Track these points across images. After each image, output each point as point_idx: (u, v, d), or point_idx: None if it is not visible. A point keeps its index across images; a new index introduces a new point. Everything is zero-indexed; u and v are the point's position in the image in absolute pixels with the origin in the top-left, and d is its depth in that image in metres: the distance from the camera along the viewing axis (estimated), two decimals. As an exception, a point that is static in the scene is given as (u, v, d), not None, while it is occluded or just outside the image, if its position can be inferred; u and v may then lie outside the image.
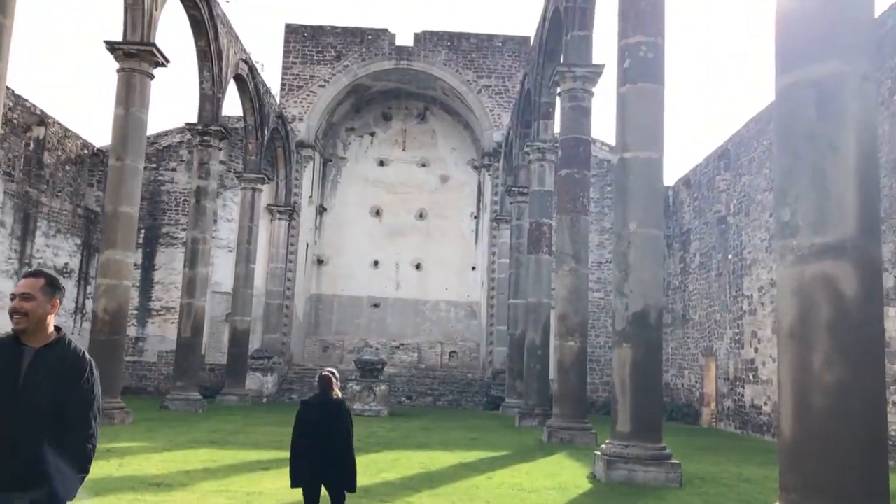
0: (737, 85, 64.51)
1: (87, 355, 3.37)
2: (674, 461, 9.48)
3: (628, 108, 10.15)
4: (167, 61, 15.63)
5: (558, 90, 15.51)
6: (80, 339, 22.52)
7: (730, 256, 22.17)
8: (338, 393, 5.74)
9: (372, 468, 10.14)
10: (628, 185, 10.00)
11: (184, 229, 25.23)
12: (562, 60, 15.68)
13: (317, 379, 5.86)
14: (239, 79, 22.30)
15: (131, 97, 15.00)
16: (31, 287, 3.26)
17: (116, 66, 15.12)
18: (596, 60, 15.25)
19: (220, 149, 20.58)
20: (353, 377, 21.72)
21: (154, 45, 15.17)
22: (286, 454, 11.25)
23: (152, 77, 15.44)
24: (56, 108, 60.69)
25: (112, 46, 14.97)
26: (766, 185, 19.55)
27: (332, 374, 5.83)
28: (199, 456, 10.28)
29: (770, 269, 19.23)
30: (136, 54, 14.98)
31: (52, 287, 3.31)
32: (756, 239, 20.20)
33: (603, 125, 70.18)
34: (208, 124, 19.80)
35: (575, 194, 14.92)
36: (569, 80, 14.97)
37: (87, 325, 22.37)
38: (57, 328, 3.34)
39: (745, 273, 20.94)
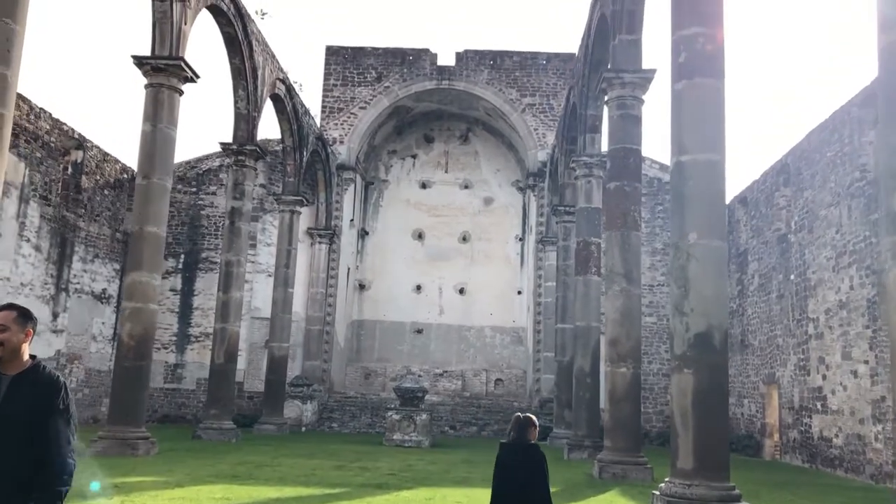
0: (791, 96, 62.41)
1: (61, 378, 3.54)
2: (745, 503, 8.32)
3: (685, 105, 9.14)
4: (197, 76, 15.13)
5: (606, 98, 14.55)
6: (116, 366, 22.04)
7: (792, 277, 20.76)
8: (535, 436, 5.83)
9: (403, 508, 9.19)
10: (686, 192, 8.96)
11: (222, 253, 24.80)
12: (609, 67, 14.73)
13: (515, 421, 5.89)
14: (276, 99, 21.84)
15: (159, 113, 14.49)
16: (4, 319, 3.50)
17: (144, 81, 14.66)
18: (645, 66, 14.29)
19: (255, 169, 20.04)
20: (393, 406, 20.79)
21: (183, 59, 14.67)
22: (311, 491, 10.51)
23: (181, 93, 14.93)
24: (96, 132, 61.60)
25: (140, 61, 14.51)
26: (832, 199, 18.22)
27: (531, 418, 5.90)
28: (213, 493, 9.43)
29: (838, 289, 17.83)
30: (164, 69, 14.49)
31: (24, 318, 3.56)
32: (821, 258, 18.81)
33: (651, 140, 68.42)
34: (243, 144, 19.28)
35: (625, 209, 13.86)
36: (617, 87, 14.01)
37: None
38: (32, 356, 3.56)
39: (809, 295, 19.52)
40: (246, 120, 19.32)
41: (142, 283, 13.97)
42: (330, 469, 12.82)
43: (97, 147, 23.51)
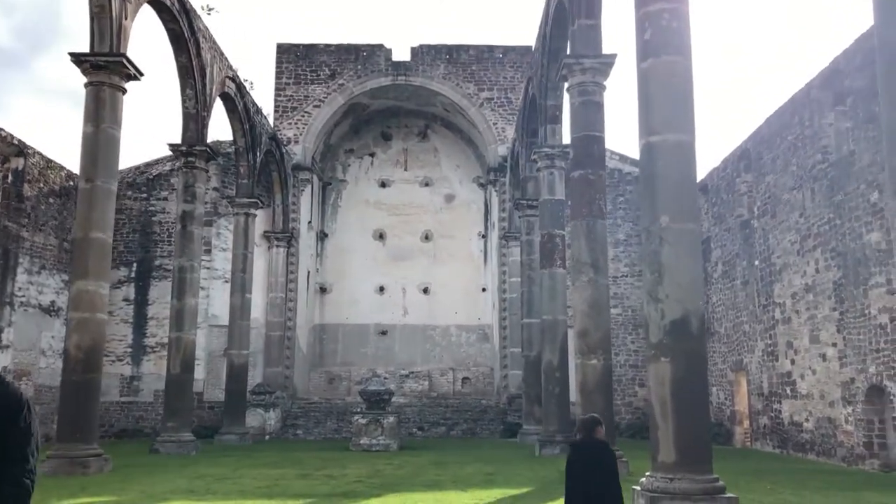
0: (747, 81, 62.83)
1: (24, 395, 3.46)
2: (730, 495, 7.98)
3: (652, 85, 8.78)
4: (140, 74, 14.41)
5: (566, 85, 14.20)
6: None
7: (756, 263, 20.69)
8: (602, 434, 5.92)
9: (373, 516, 8.69)
10: (656, 174, 8.60)
11: (176, 260, 23.94)
12: (568, 53, 14.38)
13: (581, 423, 6.03)
14: (226, 98, 21.12)
15: (101, 113, 13.75)
16: None
17: (84, 80, 13.91)
18: (605, 51, 13.95)
19: (206, 171, 19.32)
20: (359, 409, 20.22)
21: (125, 55, 13.95)
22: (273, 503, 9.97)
23: (124, 91, 14.20)
24: (40, 139, 59.76)
25: (78, 59, 13.75)
26: (794, 183, 18.15)
27: (596, 417, 6.01)
28: (167, 511, 8.85)
29: (804, 273, 17.76)
30: (104, 66, 13.75)
31: None
32: (785, 242, 18.74)
33: (608, 131, 68.17)
34: (192, 145, 18.55)
35: (590, 197, 13.51)
36: (577, 74, 13.64)
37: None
38: None
39: (774, 279, 19.45)
40: (195, 120, 18.60)
41: (88, 291, 13.23)
42: (294, 479, 12.23)
43: (39, 154, 22.51)
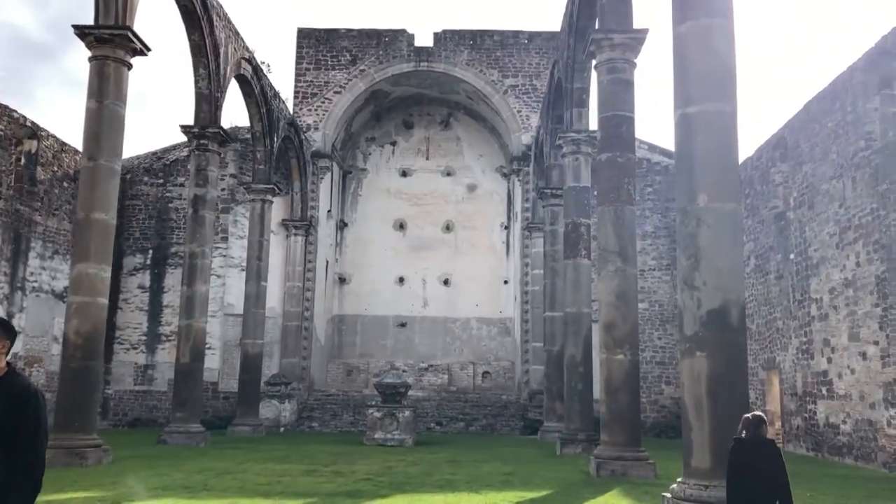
0: (783, 67, 60.95)
1: (33, 386, 3.60)
2: (772, 506, 7.15)
3: (689, 50, 7.95)
4: (147, 49, 13.80)
5: (594, 62, 13.36)
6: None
7: (791, 256, 19.71)
8: (766, 433, 5.72)
9: (377, 519, 7.97)
10: (695, 148, 7.78)
11: (191, 247, 23.41)
12: (597, 28, 13.54)
13: (745, 421, 5.73)
14: (242, 80, 20.52)
15: (105, 88, 13.15)
16: None
17: (88, 54, 13.33)
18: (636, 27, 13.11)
19: (219, 154, 18.69)
20: (374, 403, 19.56)
21: (130, 29, 13.33)
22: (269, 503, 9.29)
23: (130, 66, 13.60)
24: (56, 122, 59.52)
25: (82, 31, 13.16)
26: (834, 172, 17.15)
27: (760, 415, 5.80)
28: (154, 510, 8.20)
29: (843, 266, 16.77)
30: (109, 40, 13.15)
31: None
32: (823, 234, 17.76)
33: (637, 119, 66.47)
34: (205, 126, 17.94)
35: (618, 181, 12.69)
36: (606, 50, 12.82)
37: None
38: (8, 363, 3.60)
39: (811, 274, 18.47)
40: (208, 101, 17.98)
41: (89, 274, 12.65)
42: (299, 475, 11.56)
43: (53, 136, 22.07)
